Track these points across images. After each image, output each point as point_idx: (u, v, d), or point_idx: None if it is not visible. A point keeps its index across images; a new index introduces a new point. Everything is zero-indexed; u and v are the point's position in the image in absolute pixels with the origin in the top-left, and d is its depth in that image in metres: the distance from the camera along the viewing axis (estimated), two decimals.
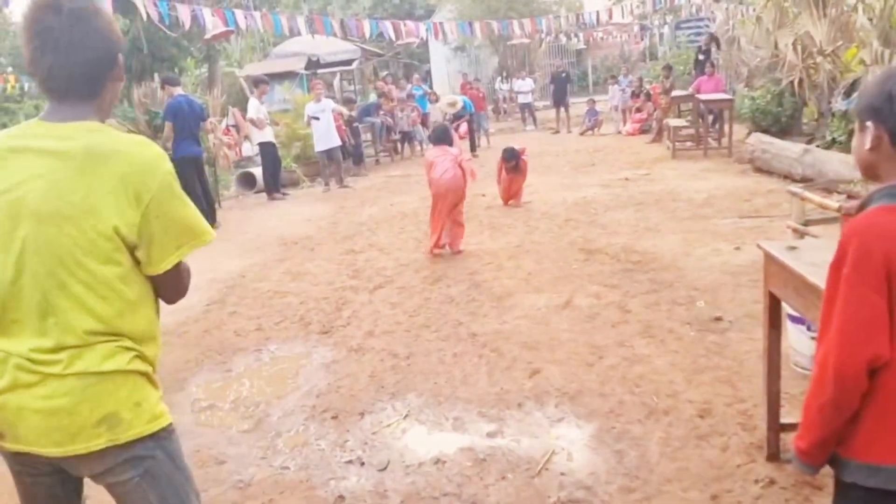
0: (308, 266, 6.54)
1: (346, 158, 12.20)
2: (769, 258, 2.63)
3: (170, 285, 1.61)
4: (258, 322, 5.08)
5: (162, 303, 1.66)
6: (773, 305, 2.73)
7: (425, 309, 5.01)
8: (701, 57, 14.48)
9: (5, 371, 1.46)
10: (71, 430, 1.45)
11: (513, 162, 8.27)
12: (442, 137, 6.90)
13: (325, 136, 10.90)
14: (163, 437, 1.58)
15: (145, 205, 1.47)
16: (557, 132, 16.90)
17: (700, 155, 10.94)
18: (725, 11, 15.28)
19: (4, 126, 10.97)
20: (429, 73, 27.38)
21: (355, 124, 12.62)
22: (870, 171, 1.54)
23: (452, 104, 13.83)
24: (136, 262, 1.53)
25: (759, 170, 9.01)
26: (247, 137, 13.27)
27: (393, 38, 13.21)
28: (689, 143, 11.63)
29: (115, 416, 1.48)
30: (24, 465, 1.56)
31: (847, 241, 1.42)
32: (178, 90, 8.23)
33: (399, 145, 14.92)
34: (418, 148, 15.23)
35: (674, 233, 6.40)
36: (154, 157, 1.53)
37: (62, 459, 1.50)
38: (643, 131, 14.87)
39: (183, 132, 7.98)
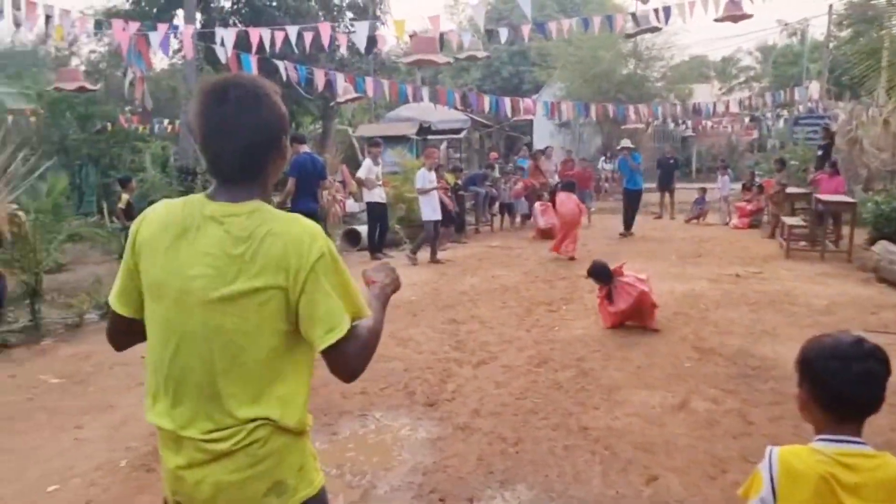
0: (412, 332, 6.57)
1: (450, 226, 12.35)
2: None
3: (344, 362, 1.57)
4: (363, 385, 5.10)
5: None
6: None
7: (532, 392, 4.90)
8: (820, 153, 14.08)
9: (181, 449, 1.55)
10: (244, 501, 1.54)
11: (605, 286, 6.60)
12: (569, 188, 11.47)
13: (434, 207, 10.76)
14: (319, 499, 1.65)
15: (302, 284, 1.50)
16: (660, 217, 16.65)
17: (816, 257, 10.47)
18: (849, 112, 14.82)
19: (133, 161, 11.73)
20: (528, 145, 27.74)
21: (460, 192, 12.83)
22: None
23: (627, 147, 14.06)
24: (297, 337, 1.56)
25: (883, 280, 8.50)
26: (352, 194, 13.72)
27: (509, 113, 13.52)
28: (802, 243, 11.18)
29: (281, 485, 1.57)
30: None
31: None
32: (304, 148, 8.62)
33: (500, 217, 15.03)
34: (518, 220, 15.31)
35: (794, 340, 6.06)
36: (309, 235, 1.54)
37: None
38: (752, 225, 14.43)
39: (303, 189, 8.32)
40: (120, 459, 3.95)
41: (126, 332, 1.69)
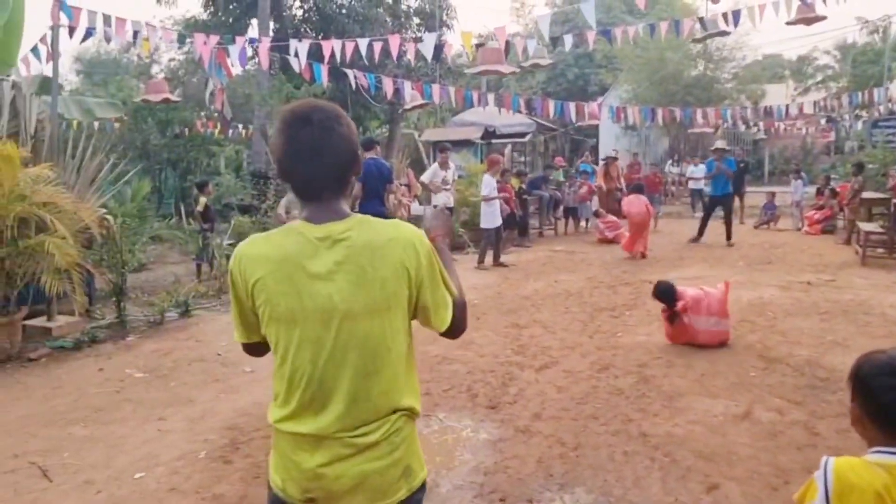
0: (474, 335, 6.68)
1: (514, 228, 12.43)
2: None
3: (455, 330, 1.83)
4: (427, 387, 5.25)
5: None
6: None
7: (593, 398, 4.96)
8: None
9: (320, 448, 1.68)
10: (382, 488, 1.70)
11: (670, 306, 6.16)
12: (637, 190, 12.09)
13: (494, 214, 10.83)
14: (426, 484, 1.83)
15: (420, 280, 1.70)
16: None
17: (894, 264, 10.10)
18: None
19: (208, 165, 12.30)
20: (594, 149, 27.48)
21: (525, 196, 12.89)
22: None
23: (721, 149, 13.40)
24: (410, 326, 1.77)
25: None
26: (416, 197, 13.94)
27: (574, 119, 13.51)
28: (880, 250, 10.79)
29: (409, 469, 1.76)
30: None
31: None
32: (371, 154, 8.84)
33: (564, 221, 15.02)
34: (583, 224, 15.26)
35: (866, 351, 5.90)
36: (416, 237, 1.72)
37: None
38: (826, 231, 13.98)
39: (370, 193, 8.54)
40: (199, 451, 4.21)
41: (261, 346, 1.86)
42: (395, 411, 1.71)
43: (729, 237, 12.82)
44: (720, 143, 13.78)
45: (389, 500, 1.71)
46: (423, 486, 1.80)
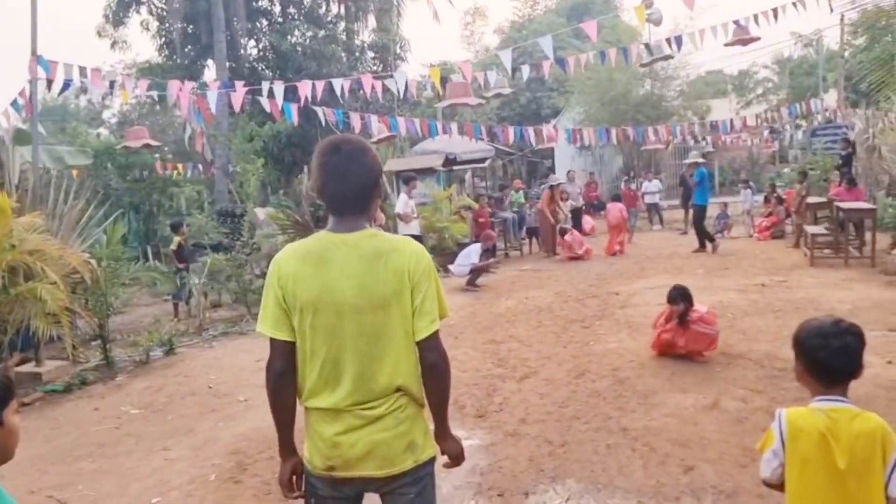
0: (454, 353, 6.99)
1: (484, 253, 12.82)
2: None
3: (430, 355, 2.06)
4: None
5: None
6: None
7: (573, 401, 5.31)
8: (840, 161, 14.36)
9: (338, 419, 2.02)
10: (390, 456, 2.03)
11: (681, 306, 6.05)
12: (616, 198, 14.74)
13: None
14: (433, 462, 2.15)
15: (414, 283, 2.02)
16: (685, 233, 16.91)
17: (840, 263, 10.74)
18: (865, 120, 15.12)
19: (171, 207, 12.41)
20: (551, 169, 28.18)
21: (491, 220, 13.33)
22: None
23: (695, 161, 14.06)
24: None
25: None
26: (381, 227, 14.25)
27: (534, 143, 14.06)
28: (827, 251, 11.45)
29: (414, 443, 2.07)
30: (337, 490, 2.08)
31: None
32: None
33: (528, 240, 15.48)
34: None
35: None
36: (419, 250, 2.07)
37: (376, 479, 2.04)
38: (774, 237, 14.70)
39: None
40: (209, 474, 4.43)
41: (289, 356, 2.05)
42: (397, 390, 2.03)
43: (701, 244, 13.37)
44: (693, 156, 14.42)
45: (397, 468, 2.04)
46: (431, 462, 2.12)
